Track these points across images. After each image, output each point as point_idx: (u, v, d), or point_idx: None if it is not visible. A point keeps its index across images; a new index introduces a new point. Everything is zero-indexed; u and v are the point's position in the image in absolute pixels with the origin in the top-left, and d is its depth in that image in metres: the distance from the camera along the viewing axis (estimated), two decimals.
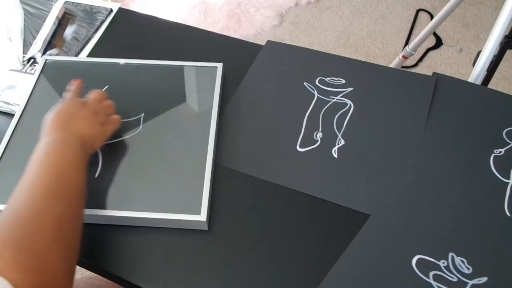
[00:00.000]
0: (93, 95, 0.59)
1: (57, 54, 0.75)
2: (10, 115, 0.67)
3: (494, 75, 0.98)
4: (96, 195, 0.56)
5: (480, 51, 0.88)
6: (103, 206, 0.55)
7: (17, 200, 0.44)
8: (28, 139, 0.62)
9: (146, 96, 0.67)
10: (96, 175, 0.58)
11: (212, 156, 0.60)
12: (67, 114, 0.54)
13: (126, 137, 0.62)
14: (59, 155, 0.48)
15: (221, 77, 0.68)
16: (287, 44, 0.75)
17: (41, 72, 0.69)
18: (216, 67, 0.70)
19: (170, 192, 0.57)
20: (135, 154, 0.60)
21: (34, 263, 0.38)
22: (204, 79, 0.68)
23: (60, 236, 0.42)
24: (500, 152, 0.61)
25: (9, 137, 0.61)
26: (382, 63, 1.45)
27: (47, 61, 0.71)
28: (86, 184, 0.50)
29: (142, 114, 0.65)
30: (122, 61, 0.71)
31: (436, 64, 1.71)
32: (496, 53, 0.88)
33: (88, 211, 0.54)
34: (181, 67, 0.70)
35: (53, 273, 0.39)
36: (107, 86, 0.68)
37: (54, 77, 0.69)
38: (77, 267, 0.56)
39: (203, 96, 0.66)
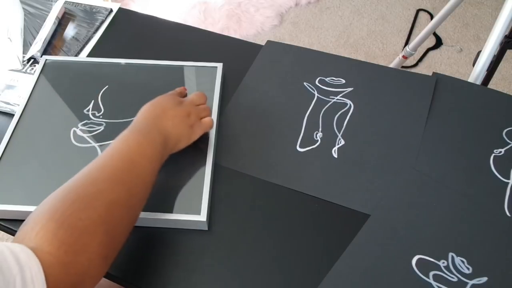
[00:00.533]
0: (192, 96, 0.60)
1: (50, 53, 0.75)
2: (10, 115, 0.67)
3: (494, 75, 0.98)
4: None
5: (480, 51, 0.88)
6: None
7: (81, 176, 0.44)
8: (28, 139, 0.62)
9: (146, 96, 0.67)
10: None
11: (212, 156, 0.60)
12: (160, 108, 0.55)
13: None
14: (136, 145, 0.49)
15: (221, 77, 0.68)
16: (287, 44, 0.75)
17: (41, 72, 0.69)
18: (216, 67, 0.70)
19: (170, 192, 0.57)
20: None
21: (71, 240, 0.38)
22: (204, 79, 0.68)
23: (106, 220, 0.41)
24: (500, 152, 0.61)
25: (9, 137, 0.61)
26: (382, 63, 1.45)
27: (47, 61, 0.71)
28: (154, 180, 0.49)
29: None
30: (122, 61, 0.71)
31: (436, 64, 1.71)
32: (496, 53, 0.88)
33: None
34: (181, 67, 0.70)
35: (87, 254, 0.39)
36: (107, 86, 0.68)
37: (54, 77, 0.69)
38: None
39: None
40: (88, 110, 0.65)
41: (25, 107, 0.65)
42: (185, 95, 0.64)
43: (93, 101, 0.66)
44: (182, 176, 0.58)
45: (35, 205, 0.54)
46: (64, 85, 0.68)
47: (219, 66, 0.70)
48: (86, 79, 0.69)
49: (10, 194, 0.56)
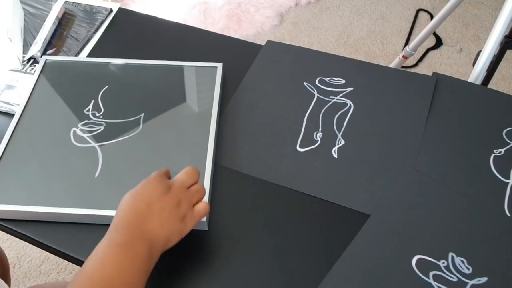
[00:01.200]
0: (181, 176, 0.50)
1: (53, 53, 0.75)
2: (10, 115, 0.67)
3: (494, 75, 0.98)
4: (96, 195, 0.56)
5: (480, 51, 0.88)
6: (103, 206, 0.55)
7: None
8: (28, 139, 0.62)
9: (146, 96, 0.67)
10: (96, 175, 0.58)
11: (212, 156, 0.60)
12: (144, 202, 0.46)
13: (126, 137, 0.62)
14: (116, 269, 0.41)
15: (221, 77, 0.68)
16: (287, 44, 0.75)
17: (41, 72, 0.69)
18: (216, 67, 0.70)
19: None
20: (135, 154, 0.60)
21: None
22: (204, 79, 0.68)
23: None
24: (500, 152, 0.61)
25: (9, 137, 0.61)
26: (382, 63, 1.45)
27: (47, 61, 0.71)
28: None
29: (142, 114, 0.65)
30: (122, 61, 0.71)
31: (436, 64, 1.71)
32: (496, 53, 0.88)
33: (88, 211, 0.54)
34: (181, 67, 0.70)
35: None
36: (107, 86, 0.68)
37: (54, 77, 0.69)
38: (77, 267, 0.56)
39: (203, 96, 0.66)
40: (88, 110, 0.65)
41: (25, 107, 0.65)
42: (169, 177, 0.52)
43: (93, 101, 0.66)
44: None
45: (35, 205, 0.55)
46: (64, 85, 0.68)
47: (219, 66, 0.70)
48: (86, 79, 0.69)
49: (10, 194, 0.56)
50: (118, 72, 0.70)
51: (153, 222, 0.45)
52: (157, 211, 0.45)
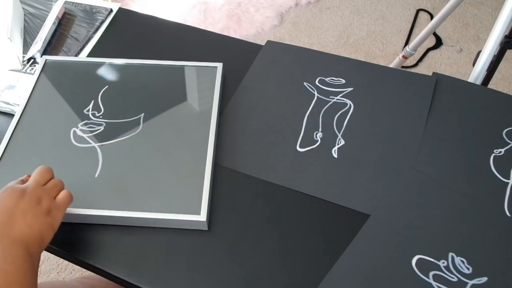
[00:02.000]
0: (33, 177, 0.50)
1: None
2: (10, 115, 0.67)
3: (494, 75, 0.98)
4: (96, 195, 0.56)
5: (480, 51, 0.88)
6: (103, 206, 0.55)
7: None
8: (28, 139, 0.62)
9: (146, 96, 0.67)
10: (96, 175, 0.58)
11: (212, 156, 0.60)
12: (4, 212, 0.45)
13: (126, 137, 0.62)
14: (2, 277, 0.41)
15: (221, 77, 0.68)
16: (287, 44, 0.75)
17: (41, 72, 0.69)
18: (216, 67, 0.70)
19: (170, 192, 0.57)
20: (135, 154, 0.60)
21: None
22: (204, 79, 0.68)
23: None
24: (500, 152, 0.61)
25: (9, 137, 0.62)
26: (382, 63, 1.45)
27: (47, 61, 0.71)
28: None
29: (142, 114, 0.65)
30: (122, 61, 0.71)
31: (436, 64, 1.71)
32: (496, 53, 0.88)
33: (88, 211, 0.54)
34: (181, 67, 0.70)
35: None
36: (107, 86, 0.68)
37: (54, 77, 0.69)
38: (77, 267, 0.56)
39: (203, 96, 0.67)
40: (88, 110, 0.65)
41: (25, 107, 0.65)
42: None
43: (93, 101, 0.66)
44: (182, 176, 0.58)
45: None
46: (64, 85, 0.68)
47: (219, 66, 0.70)
48: (86, 79, 0.69)
49: None
50: (118, 72, 0.70)
51: (20, 226, 0.45)
52: (20, 215, 0.45)
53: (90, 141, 0.62)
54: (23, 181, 0.50)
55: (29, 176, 0.51)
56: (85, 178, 0.58)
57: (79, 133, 0.63)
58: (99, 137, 0.62)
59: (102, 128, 0.63)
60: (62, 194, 0.50)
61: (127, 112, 0.65)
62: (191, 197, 0.56)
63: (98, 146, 0.61)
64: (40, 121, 0.64)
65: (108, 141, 0.62)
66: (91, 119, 0.64)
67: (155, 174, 0.58)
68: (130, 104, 0.66)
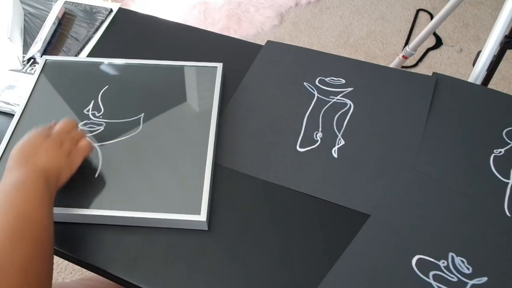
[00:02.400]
0: (60, 125, 0.56)
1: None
2: (10, 115, 0.67)
3: (494, 75, 0.98)
4: (96, 195, 0.56)
5: (480, 51, 0.88)
6: (103, 206, 0.55)
7: None
8: None
9: (146, 96, 0.67)
10: (96, 175, 0.58)
11: (212, 156, 0.60)
12: (30, 147, 0.52)
13: (126, 137, 0.62)
14: (20, 197, 0.46)
15: (221, 77, 0.68)
16: (287, 44, 0.75)
17: (41, 72, 0.69)
18: (216, 67, 0.70)
19: (170, 192, 0.57)
20: (135, 154, 0.60)
21: None
22: (204, 79, 0.68)
23: (27, 280, 0.40)
24: (500, 152, 0.61)
25: (9, 137, 0.62)
26: (382, 63, 1.45)
27: (47, 61, 0.71)
28: (52, 221, 0.47)
29: (142, 114, 0.65)
30: (122, 61, 0.71)
31: (436, 64, 1.71)
32: (496, 53, 0.88)
33: (88, 211, 0.54)
34: (181, 67, 0.70)
35: None
36: (107, 86, 0.68)
37: (54, 77, 0.69)
38: (77, 267, 0.56)
39: (203, 96, 0.67)
40: (88, 110, 0.65)
41: (25, 107, 0.65)
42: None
43: (93, 101, 0.66)
44: (182, 176, 0.58)
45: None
46: (64, 85, 0.68)
47: (219, 66, 0.70)
48: (86, 79, 0.69)
49: None
50: (118, 72, 0.70)
51: (42, 159, 0.51)
52: (43, 151, 0.51)
53: (91, 141, 0.62)
54: (50, 128, 0.56)
55: (56, 123, 0.57)
56: (85, 178, 0.58)
57: None
58: (99, 137, 0.62)
59: (102, 128, 0.63)
60: (83, 142, 0.56)
61: (127, 112, 0.65)
62: (191, 197, 0.56)
63: (98, 146, 0.61)
64: (40, 121, 0.64)
65: (108, 141, 0.62)
66: (91, 119, 0.64)
67: (155, 174, 0.58)
68: (130, 104, 0.66)
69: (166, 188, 0.57)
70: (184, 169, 0.59)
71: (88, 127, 0.63)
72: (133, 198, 0.56)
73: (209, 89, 0.67)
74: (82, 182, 0.57)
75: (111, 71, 0.70)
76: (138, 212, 0.55)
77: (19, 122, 0.63)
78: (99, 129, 0.63)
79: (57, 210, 0.54)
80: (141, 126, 0.63)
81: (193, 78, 0.69)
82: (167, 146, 0.61)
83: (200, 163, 0.59)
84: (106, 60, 0.71)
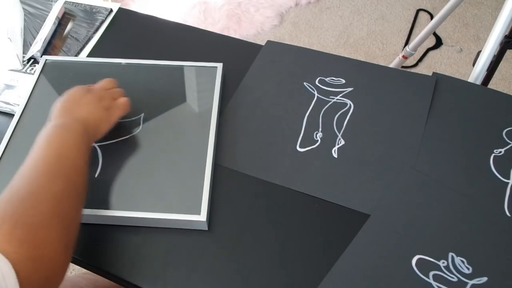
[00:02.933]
0: (101, 83, 0.61)
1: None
2: (10, 115, 0.67)
3: (494, 75, 0.98)
4: (96, 195, 0.56)
5: (480, 51, 0.88)
6: (103, 206, 0.55)
7: (18, 179, 0.45)
8: (28, 139, 0.62)
9: (146, 96, 0.67)
10: (96, 175, 0.58)
11: (212, 156, 0.60)
12: (71, 100, 0.56)
13: (126, 137, 0.62)
14: (59, 138, 0.50)
15: (221, 77, 0.68)
16: (287, 44, 0.75)
17: (41, 72, 0.69)
18: (216, 67, 0.70)
19: (170, 192, 0.57)
20: (135, 154, 0.60)
21: (30, 236, 0.39)
22: (204, 79, 0.68)
23: (57, 212, 0.43)
24: (500, 152, 0.61)
25: (9, 137, 0.61)
26: (382, 63, 1.45)
27: (47, 61, 0.71)
28: (87, 166, 0.51)
29: (142, 114, 0.65)
30: (122, 61, 0.71)
31: (436, 64, 1.71)
32: (496, 53, 0.88)
33: (88, 211, 0.54)
34: (181, 67, 0.70)
35: (49, 246, 0.41)
36: None
37: (54, 77, 0.69)
38: (77, 266, 0.56)
39: (203, 96, 0.66)
40: None
41: (25, 107, 0.65)
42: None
43: None
44: (182, 176, 0.58)
45: None
46: (64, 85, 0.68)
47: (219, 66, 0.70)
48: (86, 79, 0.69)
49: None
50: (118, 72, 0.70)
51: (81, 111, 0.55)
52: (84, 104, 0.56)
53: None
54: (91, 86, 0.60)
55: (111, 81, 0.62)
56: None
57: None
58: None
59: None
60: (122, 99, 0.60)
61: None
62: (191, 197, 0.56)
63: (98, 146, 0.61)
64: (40, 121, 0.63)
65: (108, 141, 0.62)
66: None
67: (155, 174, 0.58)
68: (130, 104, 0.66)
69: (166, 188, 0.57)
70: (184, 169, 0.59)
71: None
72: (133, 198, 0.56)
73: (209, 89, 0.67)
74: None
75: (111, 71, 0.70)
76: (138, 212, 0.55)
77: (19, 122, 0.63)
78: None
79: None
80: (141, 126, 0.63)
81: (193, 78, 0.69)
82: (167, 146, 0.61)
83: (200, 163, 0.59)
84: (106, 60, 0.71)
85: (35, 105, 0.65)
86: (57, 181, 0.46)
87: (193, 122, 0.63)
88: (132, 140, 0.62)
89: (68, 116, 0.54)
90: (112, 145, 0.61)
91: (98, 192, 0.57)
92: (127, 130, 0.63)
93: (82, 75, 0.69)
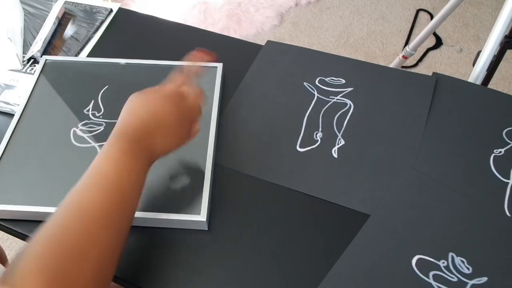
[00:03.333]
0: (192, 95, 0.52)
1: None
2: (10, 115, 0.67)
3: (494, 75, 0.98)
4: None
5: (480, 51, 0.88)
6: None
7: (65, 218, 0.40)
8: (28, 139, 0.62)
9: None
10: None
11: (212, 156, 0.60)
12: (154, 120, 0.47)
13: None
14: (125, 171, 0.43)
15: (221, 77, 0.68)
16: (287, 44, 0.75)
17: (41, 72, 0.69)
18: (216, 67, 0.70)
19: (170, 192, 0.57)
20: None
21: None
22: (204, 79, 0.68)
23: (98, 270, 0.39)
24: (500, 152, 0.61)
25: (9, 137, 0.61)
26: (382, 63, 1.45)
27: (47, 61, 0.71)
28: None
29: None
30: (122, 61, 0.71)
31: (436, 64, 1.71)
32: (496, 53, 0.88)
33: None
34: (181, 67, 0.70)
35: None
36: (107, 86, 0.68)
37: (54, 77, 0.69)
38: None
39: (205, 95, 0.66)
40: (88, 110, 0.65)
41: (25, 107, 0.65)
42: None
43: (93, 101, 0.66)
44: (182, 176, 0.58)
45: (34, 205, 0.55)
46: (64, 85, 0.68)
47: (219, 66, 0.70)
48: (86, 79, 0.69)
49: (10, 194, 0.56)
50: (118, 72, 0.70)
51: (156, 139, 0.47)
52: (163, 135, 0.48)
53: (90, 141, 0.62)
54: (180, 97, 0.51)
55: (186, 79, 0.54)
56: None
57: (79, 133, 0.63)
58: (99, 137, 0.62)
59: (102, 128, 0.63)
60: (196, 128, 0.53)
61: None
62: (191, 197, 0.56)
63: (98, 146, 0.61)
64: (40, 121, 0.64)
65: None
66: (91, 119, 0.64)
67: (155, 174, 0.58)
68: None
69: (166, 188, 0.57)
70: (184, 169, 0.59)
71: (87, 127, 0.63)
72: None
73: (209, 89, 0.67)
74: None
75: (111, 71, 0.70)
76: (138, 212, 0.54)
77: (19, 122, 0.63)
78: (99, 129, 0.63)
79: (53, 210, 0.54)
80: None
81: (193, 78, 0.69)
82: None
83: (200, 163, 0.59)
84: (106, 60, 0.71)
85: (35, 105, 0.65)
86: (109, 232, 0.41)
87: None
88: None
89: (143, 143, 0.46)
90: None
91: None
92: None
93: (82, 75, 0.69)
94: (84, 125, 0.63)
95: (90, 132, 0.63)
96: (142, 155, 0.46)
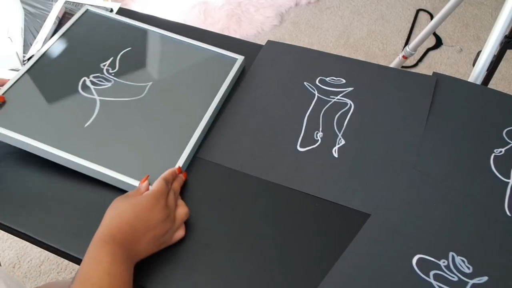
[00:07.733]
0: (172, 195, 0.53)
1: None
2: None
3: (494, 75, 0.98)
4: (80, 143, 0.58)
5: (480, 51, 0.88)
6: (84, 156, 0.57)
7: None
8: (43, 73, 0.65)
9: (161, 67, 0.69)
10: (86, 125, 0.60)
11: (193, 144, 0.60)
12: (143, 227, 0.49)
13: (128, 99, 0.64)
14: (116, 278, 0.44)
15: (238, 69, 0.69)
16: (287, 44, 0.75)
17: (79, 19, 0.72)
18: (237, 59, 0.70)
19: (148, 158, 0.58)
20: (128, 118, 0.62)
21: None
22: (217, 68, 0.69)
23: None
24: (500, 151, 0.61)
25: (29, 67, 0.64)
26: (382, 63, 1.45)
27: (88, 10, 0.73)
28: None
29: (150, 83, 0.66)
30: (153, 29, 0.73)
31: (436, 64, 1.71)
32: (496, 53, 0.88)
33: (64, 154, 0.56)
34: (204, 49, 0.71)
35: None
36: (129, 48, 0.70)
37: (87, 27, 0.72)
38: (77, 266, 0.56)
39: (212, 83, 0.67)
40: (104, 65, 0.67)
41: (51, 46, 0.68)
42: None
43: (112, 58, 0.68)
44: (163, 147, 0.60)
45: (29, 137, 0.57)
46: (94, 37, 0.71)
47: (240, 58, 0.70)
48: (114, 37, 0.71)
49: (17, 123, 0.59)
50: (145, 38, 0.72)
51: (140, 245, 0.49)
52: (147, 240, 0.49)
53: (94, 92, 0.64)
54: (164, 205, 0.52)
55: (177, 172, 0.57)
56: (75, 125, 0.60)
57: (88, 83, 0.65)
58: (103, 92, 0.64)
59: (109, 84, 0.65)
60: (180, 232, 0.53)
61: (137, 77, 0.67)
62: (168, 162, 0.58)
63: (99, 99, 0.63)
64: (59, 62, 0.67)
65: (109, 97, 0.63)
66: (104, 74, 0.66)
67: (139, 141, 0.60)
68: (143, 71, 0.67)
69: (146, 155, 0.59)
70: (167, 142, 0.60)
71: (97, 80, 0.65)
72: (112, 156, 0.58)
73: (217, 78, 0.67)
74: (72, 128, 0.60)
75: (139, 35, 0.72)
76: (114, 172, 0.56)
77: (42, 56, 0.66)
78: (107, 84, 0.65)
79: (45, 148, 0.57)
80: (144, 93, 0.65)
81: (208, 63, 0.70)
82: (159, 120, 0.62)
83: (180, 147, 0.60)
84: (139, 24, 0.73)
85: (60, 47, 0.68)
86: None
87: (193, 105, 0.64)
88: (131, 104, 0.63)
89: (130, 248, 0.47)
90: (111, 103, 0.63)
91: (83, 141, 0.58)
92: (130, 94, 0.64)
93: (113, 31, 0.72)
94: (95, 77, 0.66)
95: (98, 85, 0.65)
96: (129, 259, 0.47)
